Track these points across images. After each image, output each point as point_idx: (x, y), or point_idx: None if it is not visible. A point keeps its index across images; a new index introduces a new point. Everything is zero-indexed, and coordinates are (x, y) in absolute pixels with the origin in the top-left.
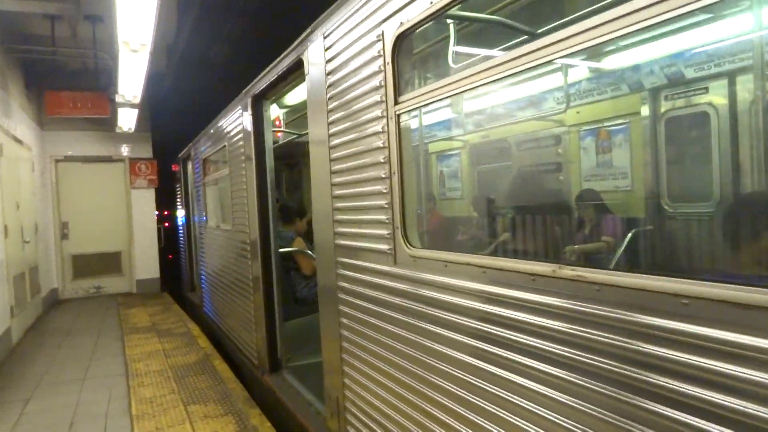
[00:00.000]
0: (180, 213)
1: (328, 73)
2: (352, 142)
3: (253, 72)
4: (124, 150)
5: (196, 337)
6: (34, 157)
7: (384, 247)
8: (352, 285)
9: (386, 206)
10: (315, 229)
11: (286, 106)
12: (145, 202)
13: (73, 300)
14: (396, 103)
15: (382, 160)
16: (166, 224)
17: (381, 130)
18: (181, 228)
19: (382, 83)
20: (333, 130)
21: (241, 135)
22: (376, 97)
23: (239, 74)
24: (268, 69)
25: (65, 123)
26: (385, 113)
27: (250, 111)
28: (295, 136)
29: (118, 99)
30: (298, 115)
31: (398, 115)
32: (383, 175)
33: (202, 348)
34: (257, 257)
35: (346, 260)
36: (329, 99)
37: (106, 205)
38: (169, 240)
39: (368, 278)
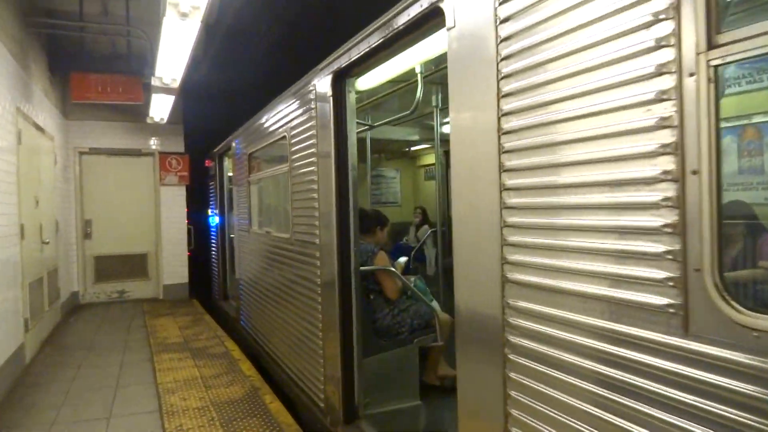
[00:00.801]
0: (213, 213)
1: (503, 20)
2: (561, 124)
3: (310, 56)
4: (154, 143)
5: (237, 360)
6: (56, 148)
7: (654, 299)
8: (543, 346)
9: (664, 229)
10: (457, 250)
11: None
12: (174, 201)
13: (94, 305)
14: (712, 46)
15: (663, 149)
16: (195, 225)
17: (665, 96)
18: (213, 230)
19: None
20: (509, 106)
21: (310, 124)
22: (649, 38)
23: (292, 60)
24: (360, 37)
25: (91, 112)
26: (677, 67)
27: (329, 92)
28: (366, 127)
29: (154, 83)
30: (364, 103)
31: (715, 68)
32: (662, 175)
33: (247, 377)
34: (331, 275)
35: (528, 305)
36: (503, 59)
37: (133, 202)
38: (198, 242)
39: (595, 345)
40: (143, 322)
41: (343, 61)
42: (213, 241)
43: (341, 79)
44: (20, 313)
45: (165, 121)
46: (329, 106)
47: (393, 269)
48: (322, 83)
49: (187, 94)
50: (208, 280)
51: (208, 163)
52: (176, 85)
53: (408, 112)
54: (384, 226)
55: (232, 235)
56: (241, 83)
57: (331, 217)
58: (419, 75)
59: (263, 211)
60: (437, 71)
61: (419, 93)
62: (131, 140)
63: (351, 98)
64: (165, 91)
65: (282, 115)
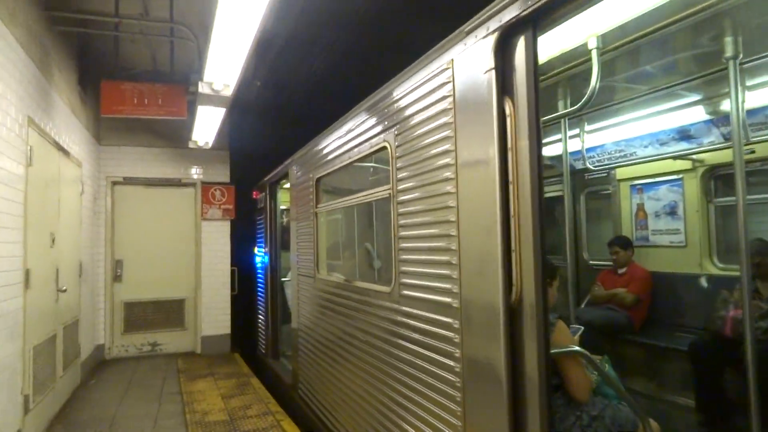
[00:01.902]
0: (260, 253)
1: None
2: None
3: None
4: (196, 172)
5: None
6: (84, 176)
7: None
8: None
9: None
10: None
11: None
12: (218, 237)
13: (121, 360)
14: None
15: None
16: (239, 266)
17: None
18: (260, 272)
19: None
20: None
21: (443, 121)
22: None
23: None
24: None
25: (127, 136)
26: None
27: (490, 64)
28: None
29: (201, 90)
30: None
31: None
32: None
33: None
34: (488, 364)
35: None
36: None
37: (171, 240)
38: (243, 286)
39: None
40: (178, 386)
41: (521, 8)
42: (260, 285)
43: (513, 39)
44: (17, 389)
45: (210, 145)
46: (490, 85)
47: (582, 351)
48: (475, 52)
49: (234, 117)
50: (252, 330)
51: (256, 194)
52: (228, 92)
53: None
54: (553, 278)
55: (284, 279)
56: (297, 106)
57: (491, 263)
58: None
59: (338, 252)
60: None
61: (595, 78)
62: (171, 168)
63: (529, 66)
64: (214, 101)
65: (379, 119)
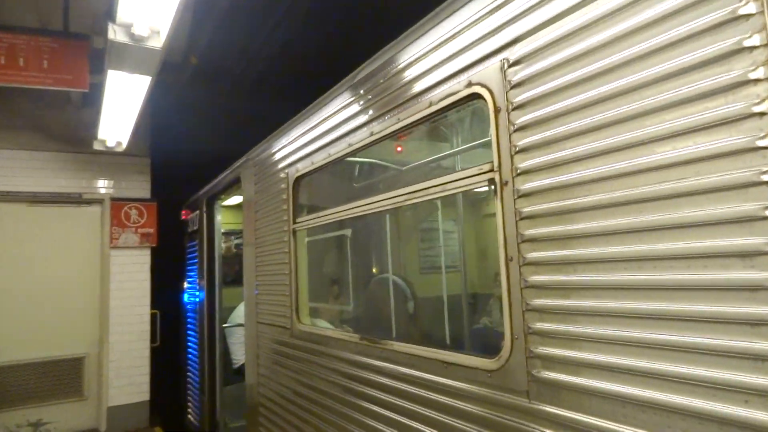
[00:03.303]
0: (192, 291)
1: None
2: None
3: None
4: (104, 185)
5: None
6: None
7: None
8: None
9: None
10: None
11: None
12: (133, 272)
13: None
14: None
15: None
16: (161, 307)
17: None
18: (191, 317)
19: None
20: None
21: None
22: None
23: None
24: None
25: (6, 135)
26: None
27: None
28: None
29: (115, 36)
30: None
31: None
32: None
33: None
34: None
35: None
36: None
37: (66, 276)
38: (166, 334)
39: None
40: None
41: None
42: (191, 333)
43: None
44: None
45: (123, 147)
46: None
47: None
48: None
49: (160, 111)
50: (180, 394)
51: (186, 214)
52: (158, 43)
53: None
54: None
55: (226, 325)
56: (248, 97)
57: None
58: None
59: (339, 290)
60: None
61: None
62: (67, 180)
63: None
64: (135, 60)
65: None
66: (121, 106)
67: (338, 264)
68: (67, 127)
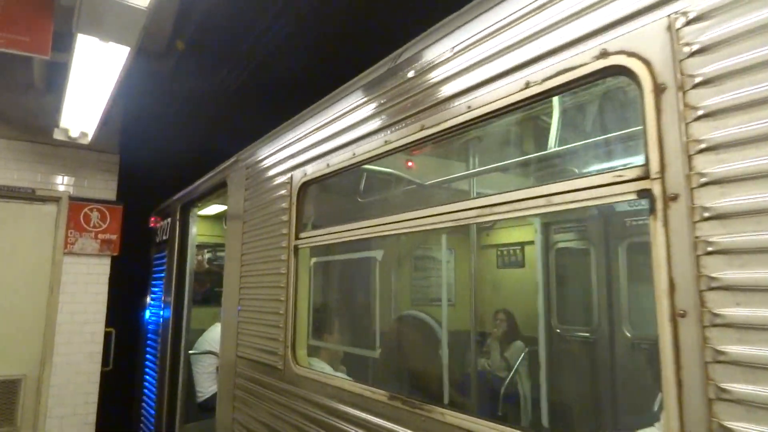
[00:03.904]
0: (156, 309)
1: None
2: None
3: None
4: (62, 181)
5: None
6: None
7: None
8: None
9: None
10: None
11: None
12: (88, 283)
13: None
14: None
15: None
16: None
17: None
18: (152, 338)
19: None
20: None
21: None
22: None
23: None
24: None
25: None
26: None
27: None
28: None
29: None
30: None
31: None
32: None
33: None
34: None
35: None
36: None
37: (6, 282)
38: (121, 358)
39: None
40: None
41: None
42: (150, 357)
43: None
44: None
45: (89, 139)
46: None
47: None
48: None
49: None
50: (131, 426)
51: (154, 221)
52: (144, 2)
53: None
54: None
55: (192, 352)
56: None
57: None
58: None
59: (372, 330)
60: None
61: None
62: (19, 172)
63: None
64: (111, 25)
65: None
66: (90, 86)
67: (359, 294)
68: (26, 114)
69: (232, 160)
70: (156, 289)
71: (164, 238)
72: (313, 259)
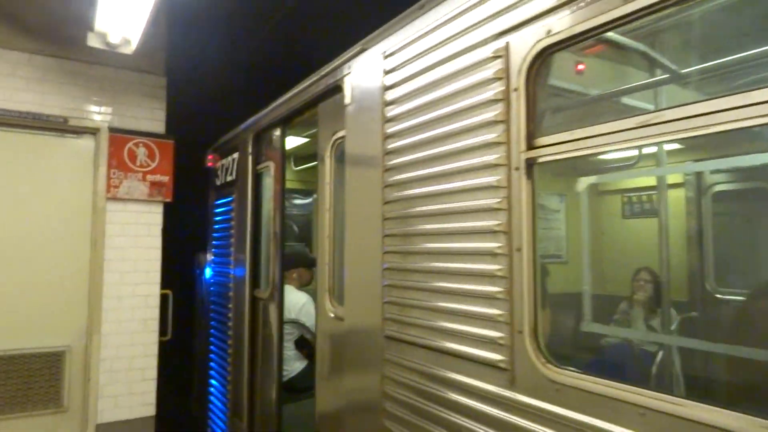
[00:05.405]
0: (220, 266)
1: None
2: None
3: None
4: (99, 109)
5: None
6: None
7: None
8: None
9: None
10: None
11: None
12: (138, 235)
13: None
14: None
15: None
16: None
17: None
18: (215, 300)
19: None
20: None
21: None
22: None
23: None
24: None
25: None
26: None
27: None
28: None
29: None
30: None
31: None
32: None
33: None
34: None
35: None
36: None
37: (40, 237)
38: (182, 324)
39: None
40: None
41: None
42: (215, 323)
43: None
44: None
45: (133, 48)
46: None
47: None
48: None
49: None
50: (202, 410)
51: (212, 160)
52: None
53: None
54: None
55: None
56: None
57: None
58: None
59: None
60: None
61: None
62: (46, 96)
63: None
64: None
65: None
66: None
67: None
68: (51, 20)
69: (354, 50)
70: (221, 244)
71: (228, 179)
72: (584, 181)
